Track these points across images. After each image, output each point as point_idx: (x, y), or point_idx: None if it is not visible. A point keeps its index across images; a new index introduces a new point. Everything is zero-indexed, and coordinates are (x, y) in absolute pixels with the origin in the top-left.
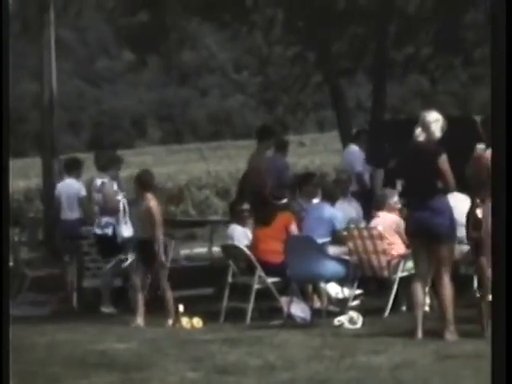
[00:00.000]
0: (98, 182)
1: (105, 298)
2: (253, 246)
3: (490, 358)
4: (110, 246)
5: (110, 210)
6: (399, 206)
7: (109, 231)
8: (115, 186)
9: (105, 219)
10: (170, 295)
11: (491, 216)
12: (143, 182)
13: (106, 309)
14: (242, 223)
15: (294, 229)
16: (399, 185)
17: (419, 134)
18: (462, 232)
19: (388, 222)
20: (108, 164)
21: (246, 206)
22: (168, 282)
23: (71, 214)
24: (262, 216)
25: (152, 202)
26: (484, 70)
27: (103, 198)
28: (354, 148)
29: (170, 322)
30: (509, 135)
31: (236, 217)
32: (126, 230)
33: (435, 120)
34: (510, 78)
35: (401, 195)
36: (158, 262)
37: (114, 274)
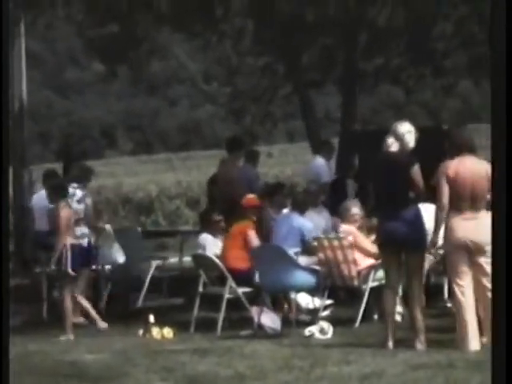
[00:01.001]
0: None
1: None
2: (221, 255)
3: (491, 363)
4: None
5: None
6: (357, 217)
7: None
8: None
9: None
10: (67, 305)
11: (492, 217)
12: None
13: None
14: (213, 233)
15: (252, 238)
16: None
17: (391, 144)
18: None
19: (347, 234)
20: (81, 175)
21: (217, 216)
22: (68, 292)
23: (45, 224)
24: (231, 225)
25: (62, 210)
26: (454, 80)
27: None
28: (318, 159)
29: (141, 332)
30: (509, 135)
31: (207, 226)
32: (119, 256)
33: (408, 131)
34: (510, 78)
35: (372, 205)
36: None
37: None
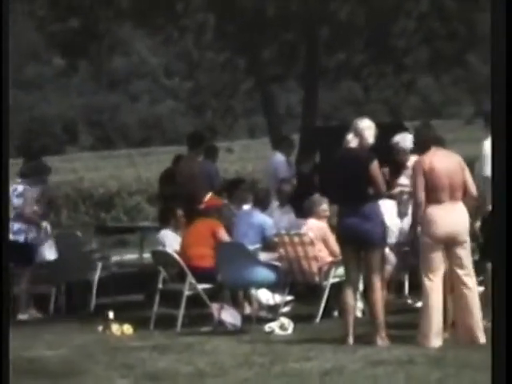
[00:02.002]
0: (20, 187)
1: (21, 304)
2: (181, 252)
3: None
4: (22, 253)
5: (26, 216)
6: (327, 213)
7: (20, 238)
8: (35, 194)
9: (17, 225)
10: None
11: (492, 216)
12: None
13: (22, 315)
14: (174, 229)
15: (222, 235)
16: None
17: (351, 140)
18: (392, 238)
19: (315, 229)
20: (29, 172)
21: (179, 212)
22: None
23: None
24: (192, 221)
25: None
26: (415, 76)
27: (23, 203)
28: (277, 155)
29: (100, 328)
30: (509, 135)
31: (167, 223)
32: (51, 254)
33: (368, 127)
34: (511, 78)
35: (332, 201)
36: None
37: (30, 280)
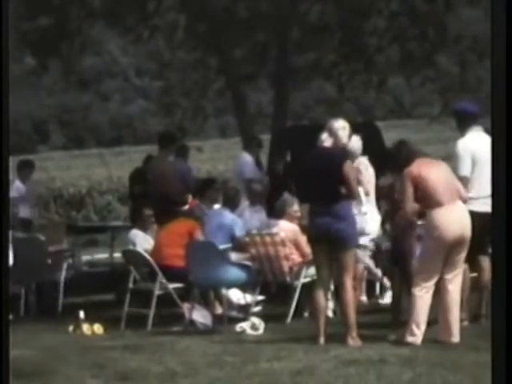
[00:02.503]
0: None
1: None
2: (155, 251)
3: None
4: None
5: None
6: (299, 214)
7: None
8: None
9: None
10: None
11: (492, 217)
12: None
13: None
14: (144, 228)
15: (199, 236)
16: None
17: (325, 140)
18: (365, 238)
19: (286, 231)
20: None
21: (148, 211)
22: None
23: (28, 213)
24: (165, 221)
25: None
26: (386, 76)
27: None
28: (245, 156)
29: (71, 328)
30: (509, 135)
31: (137, 222)
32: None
33: (342, 127)
34: (511, 78)
35: (303, 201)
36: None
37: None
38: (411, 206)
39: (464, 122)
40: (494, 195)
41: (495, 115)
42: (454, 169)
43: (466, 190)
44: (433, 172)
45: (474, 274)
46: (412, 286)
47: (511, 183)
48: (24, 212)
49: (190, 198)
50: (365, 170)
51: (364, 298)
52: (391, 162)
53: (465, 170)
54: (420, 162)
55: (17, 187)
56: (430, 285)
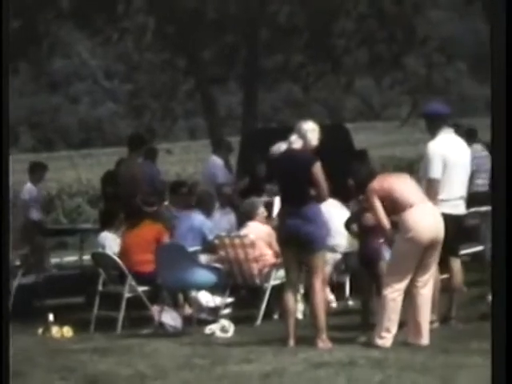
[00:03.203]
0: None
1: None
2: (123, 254)
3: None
4: None
5: None
6: (265, 214)
7: None
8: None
9: None
10: None
11: (492, 218)
12: None
13: None
14: (114, 231)
15: (167, 240)
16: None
17: (294, 142)
18: (336, 240)
19: (258, 232)
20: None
21: (119, 214)
22: None
23: (38, 214)
24: (134, 224)
25: None
26: (354, 77)
27: None
28: (214, 159)
29: (40, 331)
30: (509, 136)
31: (107, 225)
32: None
33: (312, 129)
34: (510, 79)
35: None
36: None
37: None
38: (385, 218)
39: (434, 124)
40: (493, 194)
41: (495, 116)
42: (425, 171)
43: (437, 192)
44: (394, 182)
45: (445, 276)
46: (383, 287)
47: (511, 183)
48: (36, 214)
49: (159, 200)
50: None
51: (332, 299)
52: (354, 181)
53: (436, 172)
54: (381, 177)
55: (28, 189)
56: (402, 287)
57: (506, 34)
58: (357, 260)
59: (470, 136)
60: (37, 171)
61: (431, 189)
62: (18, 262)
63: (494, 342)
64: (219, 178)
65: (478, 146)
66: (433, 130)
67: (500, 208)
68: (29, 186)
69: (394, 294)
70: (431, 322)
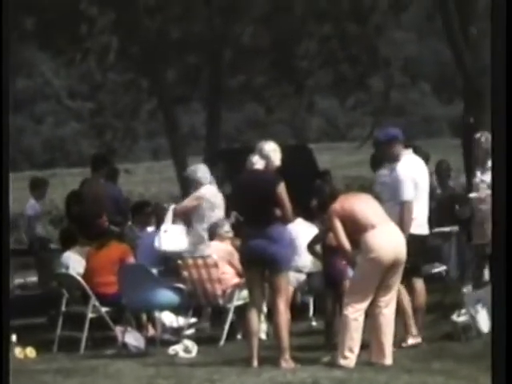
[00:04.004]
0: None
1: None
2: (87, 275)
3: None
4: None
5: None
6: (230, 234)
7: None
8: None
9: None
10: None
11: (492, 219)
12: None
13: None
14: (77, 251)
15: (131, 261)
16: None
17: (256, 163)
18: (301, 260)
19: (220, 251)
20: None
21: (81, 235)
22: None
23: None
24: (100, 244)
25: None
26: (317, 98)
27: None
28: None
29: None
30: (509, 138)
31: (70, 245)
32: None
33: (273, 149)
34: (511, 80)
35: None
36: None
37: None
38: (345, 240)
39: (391, 149)
40: (494, 199)
41: (495, 119)
42: (397, 194)
43: (412, 214)
44: (355, 203)
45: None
46: (344, 307)
47: (511, 188)
48: (40, 230)
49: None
50: (214, 198)
51: None
52: (317, 201)
53: (408, 194)
54: (343, 197)
55: (31, 205)
56: (364, 307)
57: (505, 35)
58: (321, 280)
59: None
60: (38, 187)
61: (407, 211)
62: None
63: (494, 344)
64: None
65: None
66: (390, 155)
67: (500, 208)
68: (32, 202)
69: (355, 313)
70: (414, 337)
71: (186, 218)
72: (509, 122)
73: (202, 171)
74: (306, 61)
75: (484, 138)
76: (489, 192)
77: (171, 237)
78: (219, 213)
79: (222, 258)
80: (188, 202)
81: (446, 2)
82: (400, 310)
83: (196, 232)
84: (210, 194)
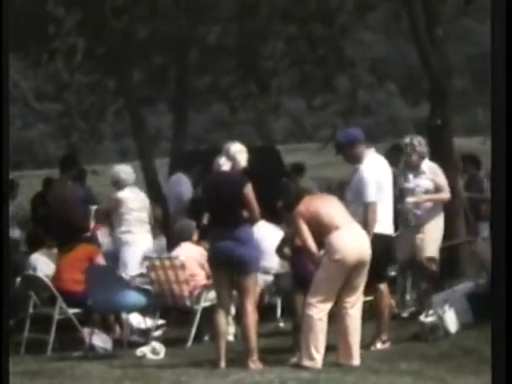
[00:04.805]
0: None
1: None
2: (55, 277)
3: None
4: None
5: None
6: (195, 237)
7: None
8: None
9: None
10: None
11: (492, 219)
12: None
13: None
14: (45, 253)
15: (100, 261)
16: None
17: (223, 164)
18: (269, 262)
19: (191, 252)
20: None
21: (47, 236)
22: None
23: None
24: (69, 247)
25: None
26: (284, 99)
27: None
28: (179, 176)
29: None
30: (509, 139)
31: (36, 247)
32: None
33: (240, 150)
34: (510, 80)
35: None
36: None
37: None
38: (311, 242)
39: (353, 151)
40: (493, 195)
41: (495, 120)
42: (361, 195)
43: (376, 215)
44: (320, 205)
45: (370, 298)
46: (308, 308)
47: (511, 187)
48: (16, 232)
49: (92, 223)
50: (131, 201)
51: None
52: (283, 203)
53: (372, 195)
54: (308, 198)
55: None
56: (328, 307)
57: (506, 33)
58: (289, 281)
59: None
60: (10, 189)
61: (371, 212)
62: None
63: (494, 345)
64: (186, 195)
65: None
66: (352, 157)
67: (500, 208)
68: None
69: (320, 314)
70: (383, 342)
71: (107, 219)
72: (509, 121)
73: (125, 172)
74: (272, 61)
75: (417, 141)
76: (426, 197)
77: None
78: (140, 216)
79: (193, 260)
80: (106, 204)
81: (412, 4)
82: (377, 313)
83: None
84: (128, 198)
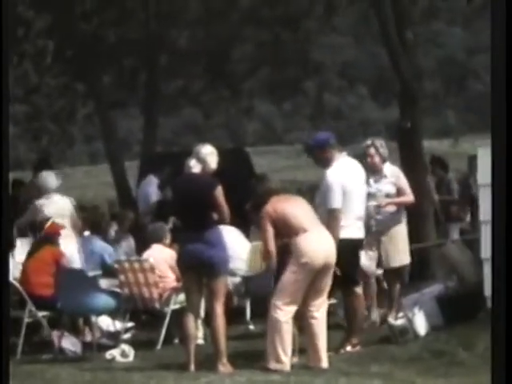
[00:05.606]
0: None
1: None
2: (23, 279)
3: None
4: None
5: None
6: (168, 241)
7: None
8: None
9: None
10: None
11: (492, 220)
12: None
13: None
14: (14, 255)
15: (65, 263)
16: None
17: (193, 166)
18: (234, 263)
19: (162, 255)
20: None
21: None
22: None
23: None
24: (34, 249)
25: None
26: (254, 102)
27: None
28: (150, 177)
29: None
30: (509, 139)
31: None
32: None
33: (210, 153)
34: (510, 80)
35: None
36: None
37: None
38: (271, 244)
39: (323, 155)
40: (494, 199)
41: (495, 119)
42: (325, 201)
43: (339, 221)
44: (288, 206)
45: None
46: (273, 311)
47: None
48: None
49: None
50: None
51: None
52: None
53: (336, 202)
54: (275, 199)
55: None
56: (293, 310)
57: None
58: (258, 284)
59: None
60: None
61: (334, 219)
62: None
63: (494, 347)
64: (154, 197)
65: None
66: (322, 161)
67: (500, 209)
68: None
69: (286, 316)
70: (354, 345)
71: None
72: (509, 121)
73: (48, 180)
74: (242, 65)
75: (379, 143)
76: (388, 200)
77: (20, 251)
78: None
79: (164, 262)
80: (26, 215)
81: (382, 6)
82: (350, 316)
83: None
84: (43, 205)
